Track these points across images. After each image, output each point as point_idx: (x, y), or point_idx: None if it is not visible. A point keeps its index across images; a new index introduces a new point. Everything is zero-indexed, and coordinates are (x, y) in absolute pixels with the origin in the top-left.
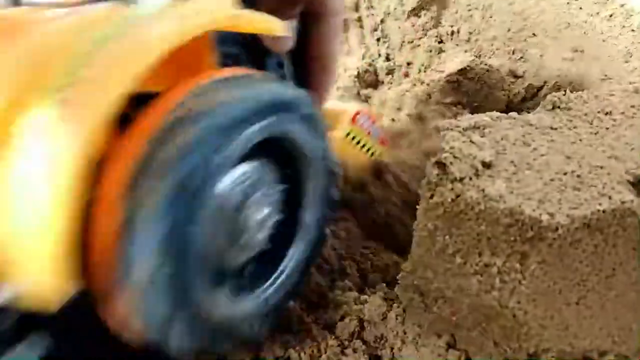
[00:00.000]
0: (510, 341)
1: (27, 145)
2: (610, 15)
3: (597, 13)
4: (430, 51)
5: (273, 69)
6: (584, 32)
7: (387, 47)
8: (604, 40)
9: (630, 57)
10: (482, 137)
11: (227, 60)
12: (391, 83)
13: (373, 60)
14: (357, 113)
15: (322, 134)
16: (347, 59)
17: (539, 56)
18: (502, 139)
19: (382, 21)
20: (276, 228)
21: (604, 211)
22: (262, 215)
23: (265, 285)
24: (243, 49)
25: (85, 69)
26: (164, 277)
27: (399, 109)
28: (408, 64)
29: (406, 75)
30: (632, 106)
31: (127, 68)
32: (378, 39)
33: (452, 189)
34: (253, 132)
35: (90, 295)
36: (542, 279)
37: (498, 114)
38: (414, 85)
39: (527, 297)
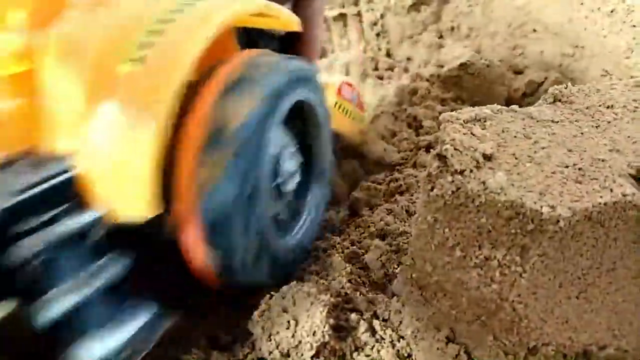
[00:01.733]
0: (510, 335)
1: (119, 94)
2: (611, 11)
3: (598, 9)
4: (430, 46)
5: (265, 47)
6: (585, 28)
7: (387, 42)
8: (604, 36)
9: (632, 52)
10: (483, 129)
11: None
12: (391, 78)
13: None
14: (341, 85)
15: (326, 101)
16: (346, 53)
17: (540, 52)
18: (503, 131)
19: (382, 16)
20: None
21: (605, 204)
22: (292, 168)
23: (297, 226)
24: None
25: (160, 35)
26: (236, 209)
27: (398, 103)
28: (408, 59)
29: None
30: (634, 100)
31: (194, 38)
32: (378, 34)
33: (452, 181)
34: (291, 99)
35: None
36: (542, 272)
37: (499, 106)
38: (414, 80)
39: (527, 291)
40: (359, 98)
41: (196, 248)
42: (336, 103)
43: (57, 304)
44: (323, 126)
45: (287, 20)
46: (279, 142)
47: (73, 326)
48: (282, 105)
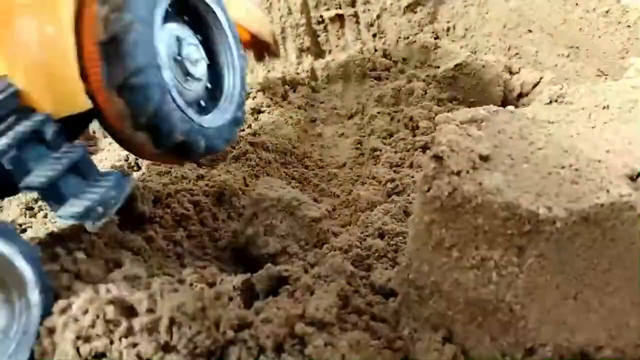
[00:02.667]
0: (507, 336)
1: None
2: (607, 12)
3: (594, 9)
4: (426, 47)
5: None
6: (580, 29)
7: (384, 43)
8: (599, 37)
9: (627, 53)
10: (479, 130)
11: None
12: (387, 78)
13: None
14: None
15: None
16: (343, 54)
17: (535, 52)
18: (499, 132)
19: (378, 17)
20: (214, 67)
21: (602, 205)
22: (195, 56)
23: (218, 106)
24: None
25: None
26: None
27: (395, 104)
28: (404, 59)
29: None
30: (630, 101)
31: None
32: (374, 35)
33: (449, 182)
34: None
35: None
36: (539, 273)
37: (495, 107)
38: (410, 80)
39: (524, 291)
40: None
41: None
42: None
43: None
44: (222, 18)
45: None
46: (177, 32)
47: (52, 198)
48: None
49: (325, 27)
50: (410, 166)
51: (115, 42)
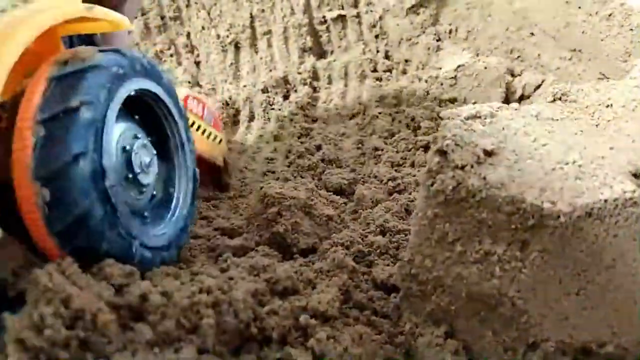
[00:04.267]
0: (510, 331)
1: None
2: (610, 15)
3: (596, 12)
4: (429, 49)
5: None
6: (583, 32)
7: (386, 44)
8: (602, 40)
9: (629, 56)
10: (483, 126)
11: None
12: (389, 79)
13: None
14: (187, 97)
15: (177, 96)
16: (345, 55)
17: (537, 55)
18: (503, 128)
19: (380, 18)
20: (163, 175)
21: (605, 200)
22: (147, 159)
23: (165, 221)
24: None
25: None
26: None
27: (396, 105)
28: (406, 60)
29: None
30: (633, 99)
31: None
32: (376, 36)
33: (453, 176)
34: (125, 89)
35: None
36: (542, 267)
37: (499, 104)
38: (412, 82)
39: (527, 286)
40: (213, 116)
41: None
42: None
43: None
44: (176, 120)
45: (115, 21)
46: (129, 134)
47: None
48: (119, 92)
49: (327, 28)
50: (412, 165)
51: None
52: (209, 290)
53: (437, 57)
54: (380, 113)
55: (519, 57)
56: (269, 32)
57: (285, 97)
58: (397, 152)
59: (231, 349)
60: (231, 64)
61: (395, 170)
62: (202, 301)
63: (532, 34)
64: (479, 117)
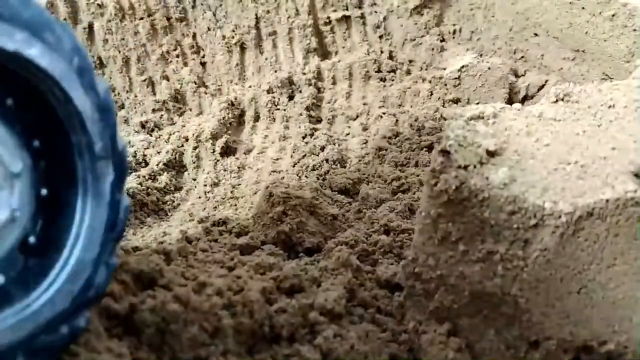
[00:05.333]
0: (512, 329)
1: None
2: (613, 15)
3: (600, 13)
4: (433, 49)
5: None
6: (586, 32)
7: (390, 45)
8: (605, 41)
9: (632, 57)
10: (486, 126)
11: None
12: (393, 80)
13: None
14: None
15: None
16: (350, 55)
17: (540, 55)
18: (506, 129)
19: (384, 19)
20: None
21: (607, 200)
22: None
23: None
24: None
25: None
26: None
27: (400, 105)
28: (410, 61)
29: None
30: (635, 100)
31: None
32: (381, 37)
33: (456, 176)
34: None
35: None
36: (544, 266)
37: (502, 104)
38: (416, 82)
39: (529, 285)
40: None
41: None
42: None
43: None
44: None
45: None
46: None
47: None
48: None
49: (332, 29)
50: (416, 165)
51: None
52: (220, 292)
53: (441, 58)
54: (384, 113)
55: (522, 57)
56: (274, 33)
57: (290, 98)
58: (401, 152)
59: (245, 349)
60: (237, 64)
61: (399, 170)
62: (217, 303)
63: (536, 34)
64: (482, 117)
